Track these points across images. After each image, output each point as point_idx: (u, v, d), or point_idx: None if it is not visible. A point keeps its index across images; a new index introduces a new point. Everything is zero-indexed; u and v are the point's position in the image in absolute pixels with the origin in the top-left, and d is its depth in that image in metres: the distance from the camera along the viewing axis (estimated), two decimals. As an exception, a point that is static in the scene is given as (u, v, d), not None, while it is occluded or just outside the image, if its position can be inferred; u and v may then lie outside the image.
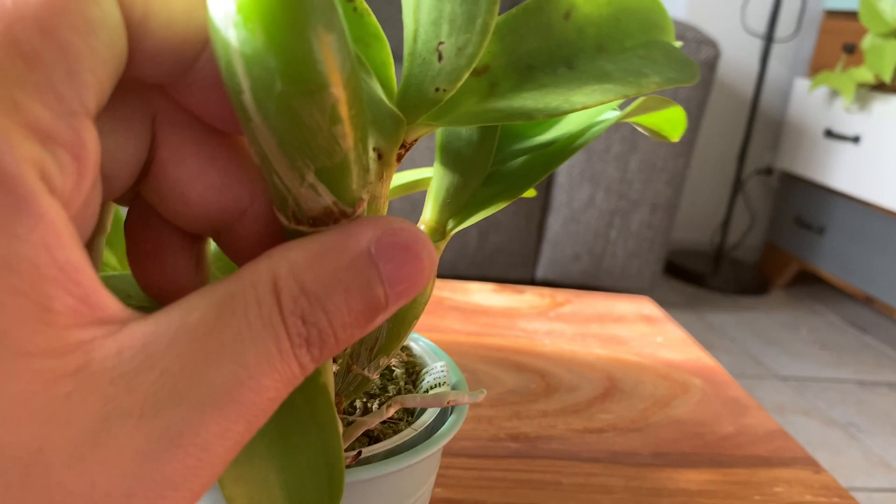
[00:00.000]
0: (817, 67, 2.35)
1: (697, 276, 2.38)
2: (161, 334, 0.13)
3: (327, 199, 0.16)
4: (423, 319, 0.35)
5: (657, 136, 0.27)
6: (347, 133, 0.15)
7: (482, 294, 0.69)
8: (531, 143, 0.25)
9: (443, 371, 0.27)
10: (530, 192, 0.35)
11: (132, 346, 0.13)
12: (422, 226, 0.24)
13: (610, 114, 0.25)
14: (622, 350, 0.62)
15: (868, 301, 2.14)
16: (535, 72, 0.20)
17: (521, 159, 0.25)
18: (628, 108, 0.24)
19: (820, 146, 2.25)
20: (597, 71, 0.20)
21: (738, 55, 2.48)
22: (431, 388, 0.26)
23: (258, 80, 0.14)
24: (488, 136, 0.23)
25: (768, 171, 2.60)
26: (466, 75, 0.19)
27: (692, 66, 0.21)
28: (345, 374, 0.24)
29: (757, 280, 2.42)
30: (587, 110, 0.25)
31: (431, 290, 0.24)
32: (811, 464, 0.48)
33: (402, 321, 0.24)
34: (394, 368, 0.27)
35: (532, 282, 1.87)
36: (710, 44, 1.67)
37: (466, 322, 0.63)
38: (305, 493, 0.16)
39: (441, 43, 0.18)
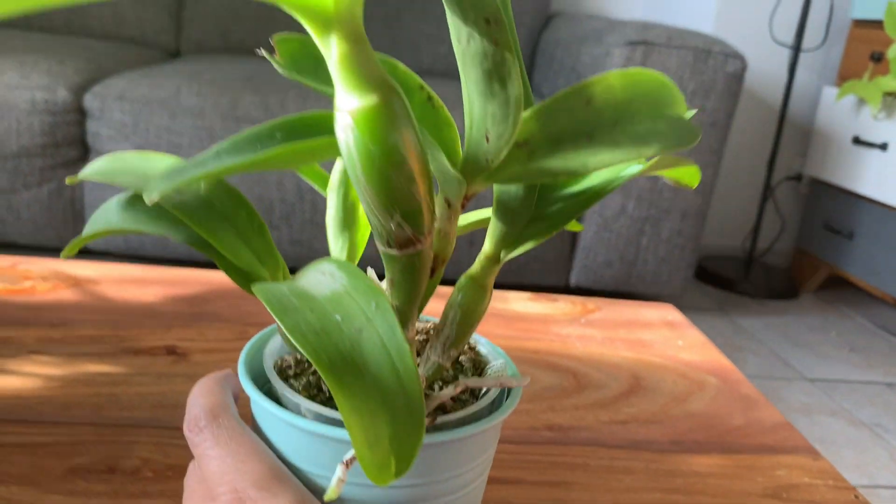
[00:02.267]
0: (845, 76, 2.39)
1: (728, 280, 2.43)
2: None
3: (408, 231, 0.25)
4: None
5: (679, 185, 0.35)
6: (420, 190, 0.24)
7: (520, 302, 0.77)
8: (568, 193, 0.33)
9: (502, 367, 0.35)
10: (577, 226, 0.43)
11: None
12: (483, 256, 0.32)
13: (632, 169, 0.32)
14: (646, 352, 0.69)
15: (897, 305, 2.18)
16: (563, 143, 0.27)
17: (560, 205, 0.33)
18: (646, 165, 0.32)
19: (848, 153, 2.29)
20: (610, 141, 0.27)
21: (767, 65, 2.52)
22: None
23: (364, 159, 0.23)
24: (530, 191, 0.31)
25: (798, 178, 2.64)
26: (506, 151, 0.26)
27: (691, 133, 0.27)
28: (425, 362, 0.32)
29: (787, 285, 2.46)
30: (613, 167, 0.32)
31: (489, 302, 0.32)
32: (811, 452, 0.55)
33: (466, 323, 0.31)
34: (464, 364, 0.35)
35: (566, 288, 1.93)
36: (736, 57, 1.73)
37: (506, 327, 0.70)
38: (399, 424, 0.23)
39: (488, 131, 0.26)
